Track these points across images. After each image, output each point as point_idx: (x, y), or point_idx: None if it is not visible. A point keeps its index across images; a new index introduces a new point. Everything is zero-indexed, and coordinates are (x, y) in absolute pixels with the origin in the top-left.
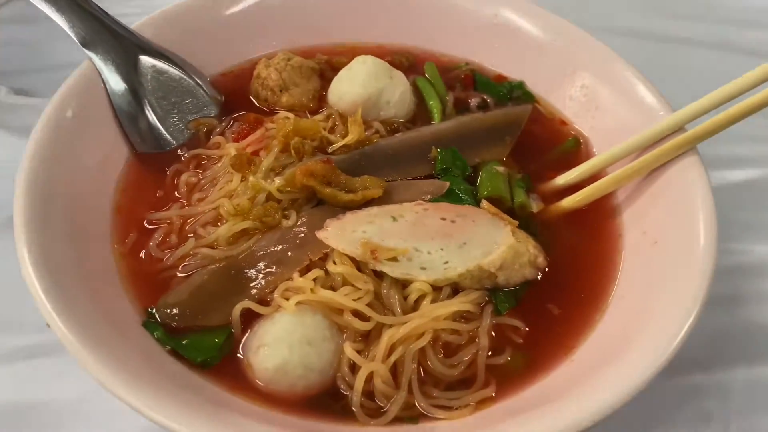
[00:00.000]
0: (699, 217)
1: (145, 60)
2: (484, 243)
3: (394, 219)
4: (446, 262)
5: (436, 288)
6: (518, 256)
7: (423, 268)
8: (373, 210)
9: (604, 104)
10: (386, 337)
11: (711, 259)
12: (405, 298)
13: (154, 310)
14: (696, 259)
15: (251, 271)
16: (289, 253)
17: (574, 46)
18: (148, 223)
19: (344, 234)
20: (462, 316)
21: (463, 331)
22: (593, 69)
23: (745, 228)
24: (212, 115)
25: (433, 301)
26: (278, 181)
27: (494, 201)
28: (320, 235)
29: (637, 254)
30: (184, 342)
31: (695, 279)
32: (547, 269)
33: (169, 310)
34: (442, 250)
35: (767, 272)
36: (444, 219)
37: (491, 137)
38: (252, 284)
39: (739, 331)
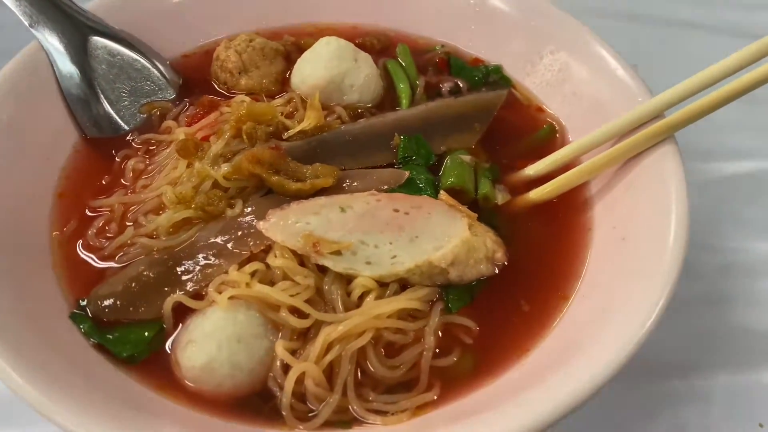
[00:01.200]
0: (671, 213)
1: (96, 41)
2: (437, 237)
3: (343, 210)
4: (394, 257)
5: (383, 284)
6: (473, 251)
7: (368, 263)
8: (321, 200)
9: (582, 89)
10: (322, 336)
11: (678, 258)
12: (348, 294)
13: (85, 302)
14: (663, 258)
15: (189, 263)
16: (230, 245)
17: (552, 27)
18: (90, 211)
19: (286, 225)
20: (409, 315)
21: (408, 330)
22: (571, 51)
23: (736, 224)
24: (169, 98)
25: (378, 297)
26: (225, 168)
27: (457, 192)
28: (260, 226)
29: (604, 251)
30: (111, 336)
31: (659, 279)
32: (506, 265)
33: (100, 302)
34: (390, 243)
35: (758, 272)
36: (397, 210)
37: (460, 124)
38: (188, 277)
39: (723, 334)
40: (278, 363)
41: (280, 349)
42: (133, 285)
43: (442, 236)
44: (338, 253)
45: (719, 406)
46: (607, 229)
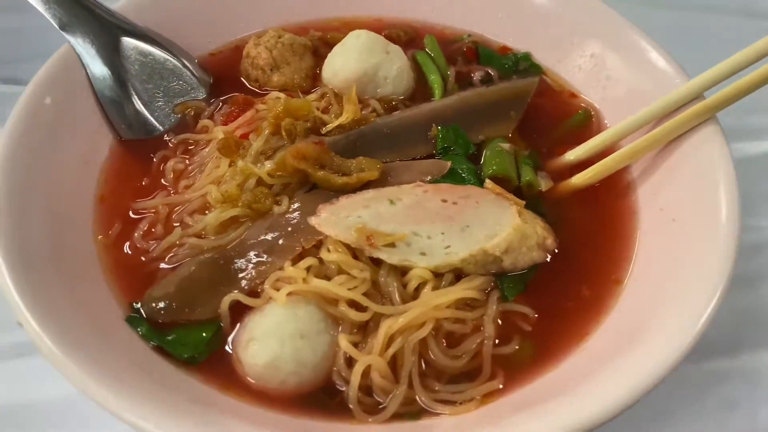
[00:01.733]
0: (720, 191)
1: (128, 42)
2: (488, 225)
3: (392, 202)
4: (448, 247)
5: (438, 274)
6: (525, 239)
7: (423, 254)
8: (369, 193)
9: (615, 73)
10: (384, 328)
11: (734, 235)
12: (404, 286)
13: (139, 305)
14: (718, 236)
15: (241, 261)
16: (281, 241)
17: (581, 14)
18: (133, 213)
19: (338, 219)
20: (466, 304)
21: (467, 320)
22: (602, 37)
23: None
24: (201, 97)
25: (434, 288)
26: (269, 165)
27: (500, 180)
28: (313, 221)
29: (654, 233)
30: (169, 338)
31: (718, 257)
32: (556, 251)
33: (155, 304)
34: (443, 234)
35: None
36: (445, 201)
37: (495, 113)
38: (242, 275)
39: (765, 312)
40: (341, 357)
41: (345, 342)
42: (187, 285)
43: (493, 224)
44: (392, 245)
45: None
46: (653, 211)
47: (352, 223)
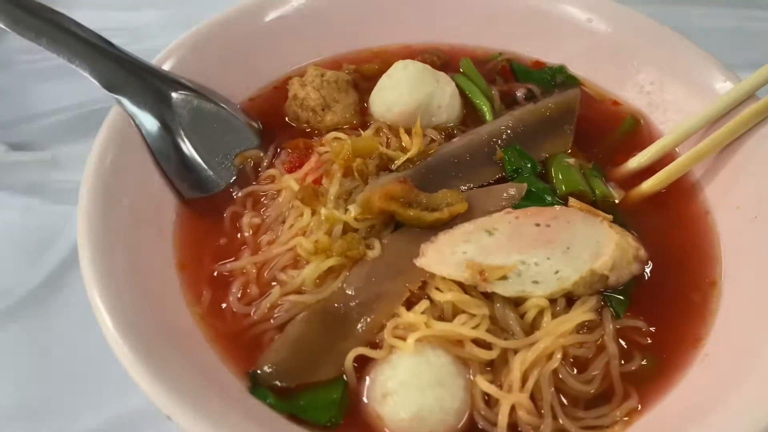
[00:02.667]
0: None
1: (177, 97)
2: (587, 244)
3: (490, 233)
4: (557, 272)
5: (551, 300)
6: (625, 253)
7: (535, 282)
8: (466, 226)
9: (657, 78)
10: (518, 363)
11: None
12: (521, 316)
13: (257, 373)
14: None
15: (350, 312)
16: (386, 286)
17: (613, 23)
18: (219, 277)
19: (444, 257)
20: (584, 326)
21: (589, 342)
22: (637, 43)
23: None
24: (254, 146)
25: (553, 315)
26: (353, 209)
27: (576, 196)
28: (420, 262)
29: (736, 232)
30: (301, 403)
31: None
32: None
33: (273, 371)
34: (548, 259)
35: None
36: (538, 225)
37: (550, 128)
38: (355, 327)
39: None
40: (480, 398)
41: (486, 384)
42: (301, 347)
43: (592, 242)
44: (504, 277)
45: None
46: (730, 210)
47: (460, 260)
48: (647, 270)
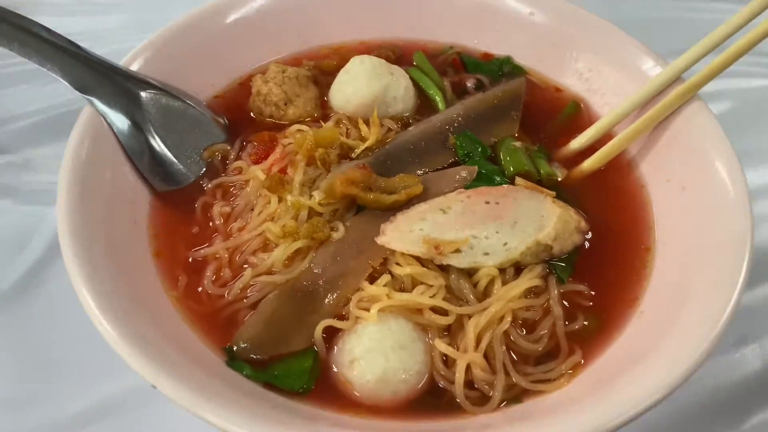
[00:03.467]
0: (720, 158)
1: (146, 95)
2: (533, 218)
3: (444, 211)
4: (505, 244)
5: (501, 270)
6: (567, 225)
7: (486, 254)
8: (422, 206)
9: (594, 65)
10: (471, 327)
11: (745, 193)
12: (474, 285)
13: (234, 348)
14: (732, 196)
15: (317, 288)
16: (350, 264)
17: (553, 16)
18: (193, 262)
19: (402, 235)
20: (531, 292)
21: (536, 306)
22: (576, 34)
23: None
24: (221, 140)
25: (503, 283)
26: (317, 195)
27: (522, 176)
28: (381, 240)
29: (667, 202)
30: (276, 373)
31: (739, 213)
32: (589, 233)
33: (248, 345)
34: (497, 232)
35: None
36: (488, 202)
37: (498, 115)
38: (323, 301)
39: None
40: (439, 359)
41: (443, 346)
42: (274, 321)
43: (537, 217)
44: (458, 250)
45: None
46: (661, 183)
47: (417, 237)
48: (588, 240)
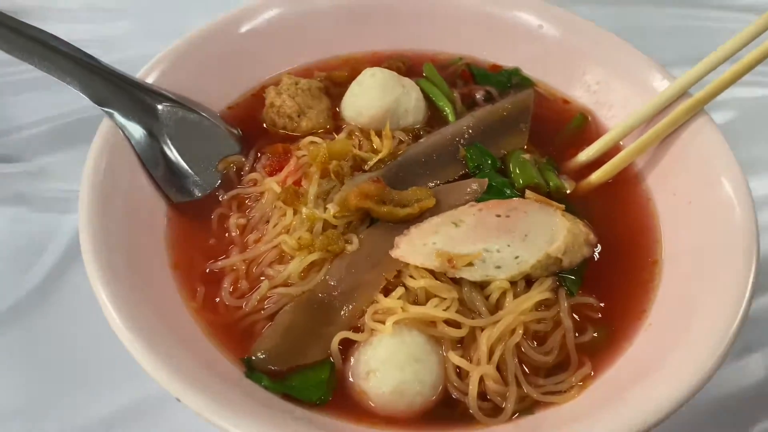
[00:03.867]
0: (725, 172)
1: (163, 108)
2: (543, 231)
3: (456, 225)
4: (517, 257)
5: (512, 283)
6: (576, 238)
7: (498, 267)
8: (435, 220)
9: (602, 78)
10: (484, 339)
11: (750, 209)
12: (486, 297)
13: (252, 359)
14: (738, 211)
15: (333, 300)
16: (365, 276)
17: (562, 29)
18: (210, 274)
19: (416, 248)
20: (542, 305)
21: (547, 318)
22: (584, 47)
23: None
24: (236, 151)
25: (514, 296)
26: (332, 207)
27: (532, 188)
28: (395, 254)
29: (674, 215)
30: (293, 384)
31: (745, 227)
32: (598, 245)
33: (265, 356)
34: (509, 246)
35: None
36: (499, 216)
37: (507, 126)
38: (339, 314)
39: None
40: (452, 371)
41: (457, 358)
42: (291, 333)
43: (547, 230)
44: (470, 264)
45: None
46: (667, 196)
47: (430, 250)
48: (597, 252)
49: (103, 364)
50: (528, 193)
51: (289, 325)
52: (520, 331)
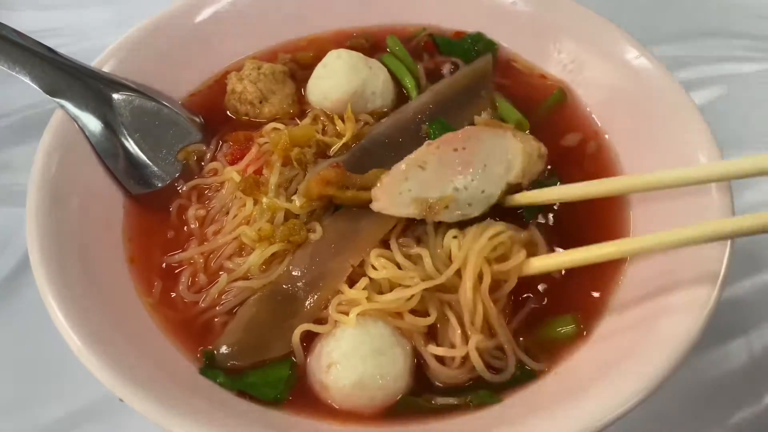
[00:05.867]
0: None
1: (119, 97)
2: (500, 159)
3: (422, 168)
4: (483, 191)
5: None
6: (530, 157)
7: (469, 204)
8: (400, 166)
9: (576, 56)
10: (463, 295)
11: (728, 199)
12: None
13: (214, 353)
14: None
15: (297, 291)
16: (329, 265)
17: (534, 5)
18: (168, 268)
19: (393, 198)
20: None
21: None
22: (558, 22)
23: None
24: (197, 140)
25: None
26: (297, 199)
27: None
28: (376, 207)
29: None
30: (250, 380)
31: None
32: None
33: (228, 351)
34: (473, 181)
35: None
36: (456, 149)
37: (469, 96)
38: (303, 305)
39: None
40: (434, 360)
41: (438, 350)
42: (254, 327)
43: (503, 155)
44: (446, 206)
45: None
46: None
47: (407, 199)
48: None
49: (64, 363)
50: (476, 118)
51: (252, 318)
52: (489, 276)
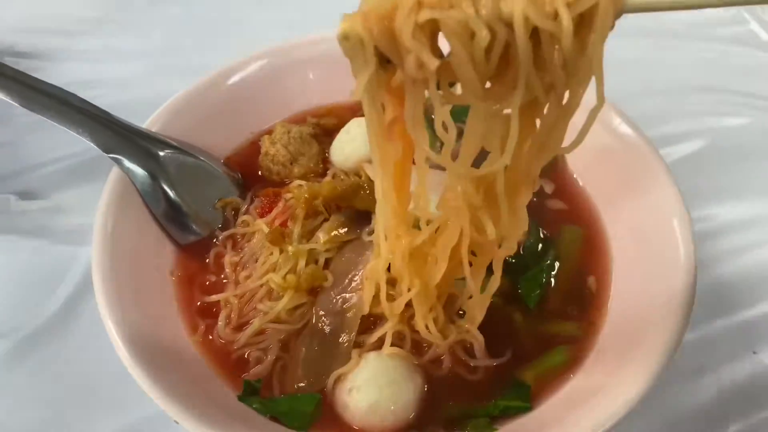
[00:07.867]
0: (676, 218)
1: (165, 155)
2: None
3: None
4: None
5: None
6: None
7: None
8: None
9: None
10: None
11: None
12: None
13: (251, 383)
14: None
15: (326, 334)
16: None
17: None
18: (208, 308)
19: None
20: None
21: None
22: None
23: (705, 195)
24: (235, 194)
25: None
26: (322, 236)
27: None
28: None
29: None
30: (281, 408)
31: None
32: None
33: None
34: None
35: (732, 230)
36: None
37: None
38: (339, 344)
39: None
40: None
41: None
42: (309, 365)
43: None
44: None
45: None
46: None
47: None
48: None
49: (115, 387)
50: None
51: (307, 358)
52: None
